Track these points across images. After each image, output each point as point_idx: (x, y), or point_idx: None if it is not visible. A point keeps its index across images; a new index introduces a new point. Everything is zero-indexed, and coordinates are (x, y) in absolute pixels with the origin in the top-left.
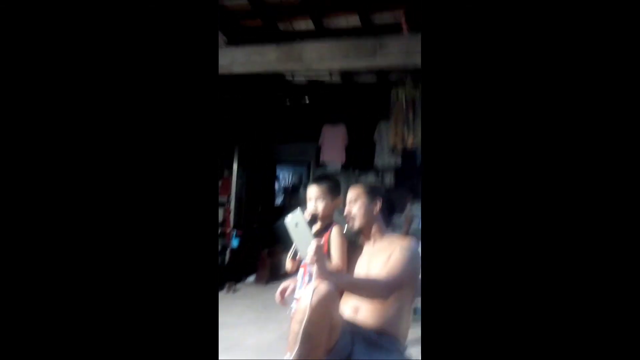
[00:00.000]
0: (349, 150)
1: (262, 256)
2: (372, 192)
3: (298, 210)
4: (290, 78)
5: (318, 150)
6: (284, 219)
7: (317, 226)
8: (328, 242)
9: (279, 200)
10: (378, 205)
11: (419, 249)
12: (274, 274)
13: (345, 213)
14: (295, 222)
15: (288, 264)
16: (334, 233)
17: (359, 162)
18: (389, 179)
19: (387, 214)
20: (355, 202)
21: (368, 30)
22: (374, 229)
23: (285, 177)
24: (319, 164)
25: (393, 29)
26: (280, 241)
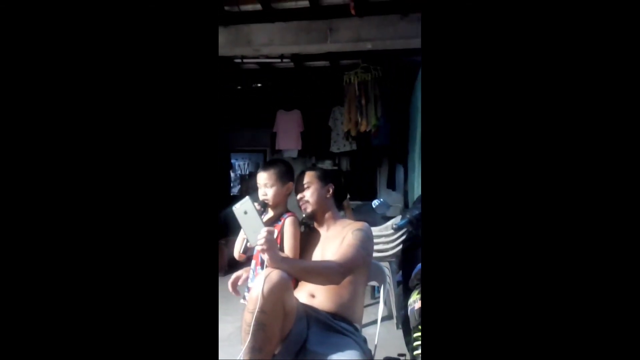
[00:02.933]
0: (304, 136)
1: (219, 246)
2: (324, 177)
3: (247, 198)
4: (239, 62)
5: (273, 137)
6: (232, 206)
7: (269, 215)
8: (281, 232)
9: (235, 189)
10: (331, 191)
11: (371, 232)
12: (232, 264)
13: (297, 198)
14: (244, 209)
15: (236, 253)
16: (288, 223)
17: (315, 148)
18: (346, 164)
19: (340, 199)
20: (308, 187)
21: (317, 12)
22: (327, 215)
23: (240, 166)
24: (275, 151)
25: (342, 12)
26: (234, 232)
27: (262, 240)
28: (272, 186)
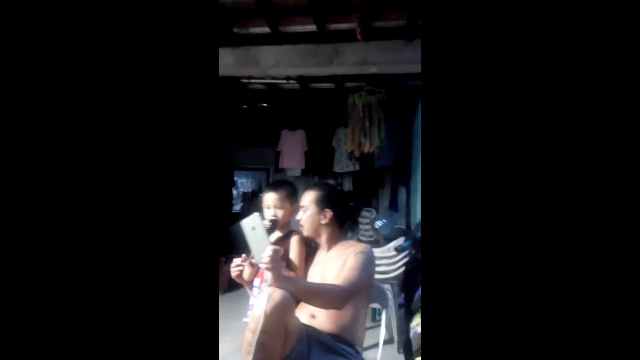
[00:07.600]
0: (308, 156)
1: (219, 264)
2: (322, 201)
3: (256, 214)
4: (246, 82)
5: (277, 156)
6: (240, 222)
7: (276, 234)
8: (287, 251)
9: (237, 207)
10: (328, 216)
11: (373, 255)
12: (232, 282)
13: (297, 218)
14: (252, 225)
15: (245, 271)
16: (294, 242)
17: (318, 168)
18: (348, 184)
19: (341, 223)
20: (305, 210)
21: (324, 36)
22: (325, 237)
23: (243, 183)
24: (278, 170)
25: (348, 37)
26: (238, 249)
27: (268, 259)
28: (281, 207)
